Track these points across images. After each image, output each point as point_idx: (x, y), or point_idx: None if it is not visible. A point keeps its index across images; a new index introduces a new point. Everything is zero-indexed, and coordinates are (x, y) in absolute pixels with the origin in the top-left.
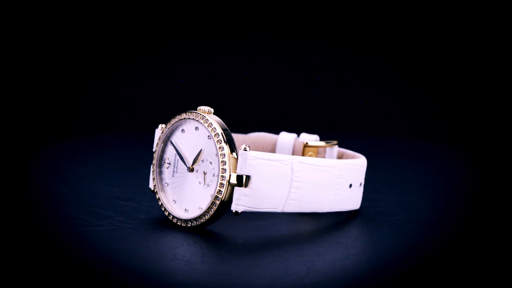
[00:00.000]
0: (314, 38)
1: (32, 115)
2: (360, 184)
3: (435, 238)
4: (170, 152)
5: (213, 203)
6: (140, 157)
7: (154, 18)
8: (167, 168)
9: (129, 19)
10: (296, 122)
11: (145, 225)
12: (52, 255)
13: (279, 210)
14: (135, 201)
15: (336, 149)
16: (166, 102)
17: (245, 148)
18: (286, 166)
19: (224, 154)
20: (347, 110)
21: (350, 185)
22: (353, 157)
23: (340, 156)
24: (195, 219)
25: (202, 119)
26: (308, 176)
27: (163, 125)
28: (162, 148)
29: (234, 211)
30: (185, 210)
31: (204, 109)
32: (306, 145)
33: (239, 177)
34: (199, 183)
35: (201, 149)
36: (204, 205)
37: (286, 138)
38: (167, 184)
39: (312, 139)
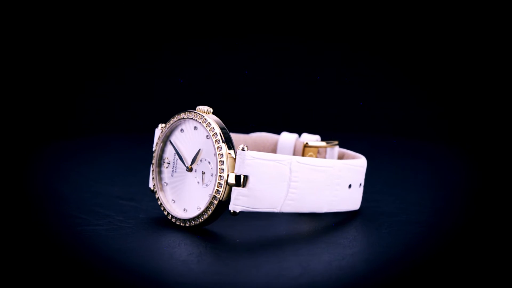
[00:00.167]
0: (314, 38)
1: (32, 115)
2: (360, 184)
3: (434, 239)
4: (169, 151)
5: (211, 203)
6: (140, 157)
7: (154, 18)
8: (167, 167)
9: (129, 19)
10: (296, 122)
11: (144, 224)
12: (51, 254)
13: (277, 210)
14: (135, 201)
15: (337, 149)
16: (166, 102)
17: (243, 148)
18: (284, 166)
19: (222, 154)
20: (347, 110)
21: (350, 186)
22: (353, 158)
23: (341, 157)
24: (194, 219)
25: (201, 118)
26: (306, 176)
27: (163, 125)
28: (161, 147)
29: (232, 211)
30: (184, 210)
31: (203, 108)
32: (306, 145)
33: (237, 177)
34: (198, 183)
35: (200, 149)
36: (203, 205)
37: (287, 138)
38: (166, 184)
39: (313, 139)
